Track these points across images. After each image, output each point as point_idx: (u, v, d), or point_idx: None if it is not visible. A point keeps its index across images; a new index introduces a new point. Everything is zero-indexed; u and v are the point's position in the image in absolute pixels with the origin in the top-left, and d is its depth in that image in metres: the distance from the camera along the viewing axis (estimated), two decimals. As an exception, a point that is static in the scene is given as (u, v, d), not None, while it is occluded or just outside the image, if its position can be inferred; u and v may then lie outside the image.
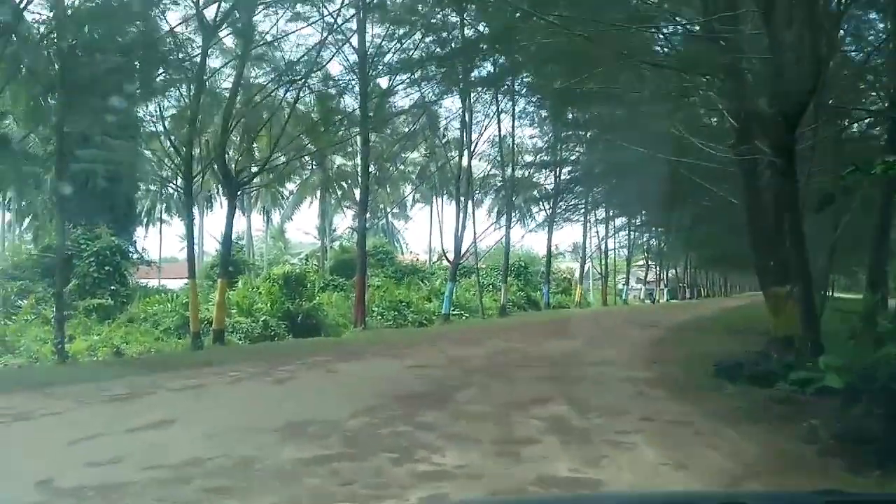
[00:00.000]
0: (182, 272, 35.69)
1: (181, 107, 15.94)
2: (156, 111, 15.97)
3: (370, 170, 25.15)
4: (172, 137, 15.54)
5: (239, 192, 15.99)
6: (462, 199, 26.63)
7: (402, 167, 49.72)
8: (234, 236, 49.39)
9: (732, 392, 7.86)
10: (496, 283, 41.00)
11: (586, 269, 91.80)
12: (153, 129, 17.30)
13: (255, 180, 17.62)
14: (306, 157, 25.63)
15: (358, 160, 35.66)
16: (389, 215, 55.73)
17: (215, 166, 15.14)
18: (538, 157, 34.98)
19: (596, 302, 46.44)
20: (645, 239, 57.80)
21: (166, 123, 15.65)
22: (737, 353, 11.90)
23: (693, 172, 28.80)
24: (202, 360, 12.06)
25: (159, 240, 51.09)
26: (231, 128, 15.09)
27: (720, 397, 7.69)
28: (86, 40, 14.56)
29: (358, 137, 22.03)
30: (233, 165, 15.64)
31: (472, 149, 26.68)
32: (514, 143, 32.26)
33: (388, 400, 7.52)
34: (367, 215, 26.38)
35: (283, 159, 18.73)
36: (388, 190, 49.55)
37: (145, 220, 53.97)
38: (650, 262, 63.24)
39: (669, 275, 72.60)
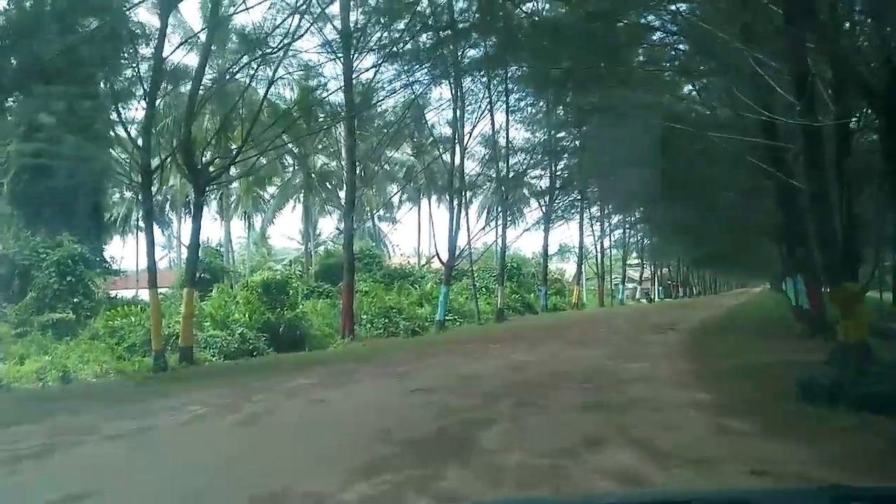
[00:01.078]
0: (163, 281, 33.71)
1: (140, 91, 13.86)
2: (112, 98, 13.86)
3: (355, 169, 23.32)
4: (129, 127, 13.51)
5: (207, 189, 13.91)
6: (455, 197, 24.76)
7: (388, 167, 47.97)
8: (214, 243, 47.33)
9: (844, 423, 6.00)
10: (489, 285, 39.21)
11: (575, 269, 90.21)
12: (113, 120, 15.34)
13: (229, 175, 15.52)
14: (284, 152, 23.47)
15: (342, 160, 33.84)
16: (376, 217, 53.74)
17: (178, 158, 13.08)
18: (533, 152, 33.07)
19: (590, 303, 44.62)
20: (639, 238, 56.39)
21: (122, 111, 13.57)
22: (794, 362, 10.11)
23: (690, 169, 27.41)
24: (162, 386, 10.05)
25: (137, 248, 48.88)
26: (196, 111, 13.08)
27: (831, 431, 5.82)
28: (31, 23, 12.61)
29: (343, 129, 20.03)
30: (201, 158, 13.60)
31: (464, 144, 24.80)
32: (507, 136, 30.37)
33: (394, 448, 5.58)
34: (354, 215, 24.43)
35: (257, 152, 16.56)
36: (374, 190, 47.61)
37: (122, 227, 51.70)
38: (644, 262, 61.80)
39: (662, 273, 71.26)
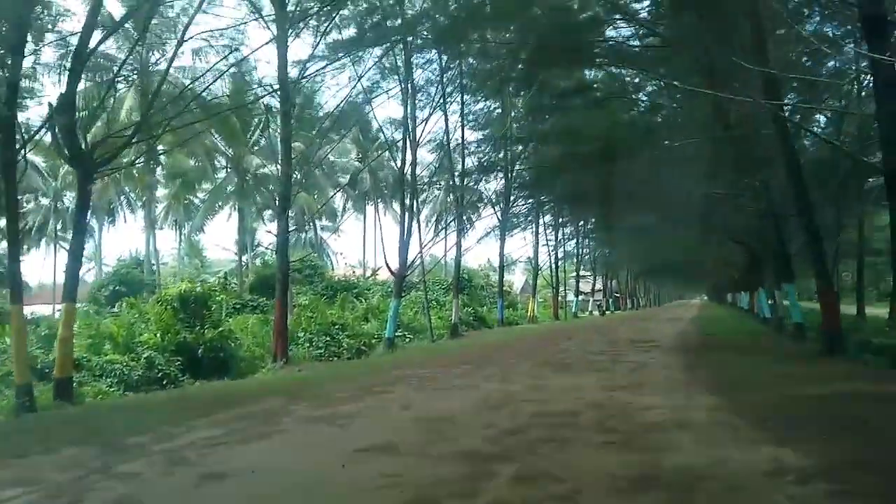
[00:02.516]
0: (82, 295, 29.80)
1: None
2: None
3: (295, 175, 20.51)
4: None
5: (95, 176, 10.85)
6: (407, 199, 22.05)
7: (330, 171, 44.94)
8: (135, 253, 43.02)
9: None
10: (439, 298, 36.66)
11: (525, 280, 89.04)
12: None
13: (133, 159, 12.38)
14: (197, 133, 20.35)
15: (280, 161, 30.83)
16: (318, 226, 50.43)
17: (58, 134, 10.05)
18: (489, 154, 30.69)
19: (542, 316, 42.40)
20: (591, 249, 54.78)
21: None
22: (849, 393, 7.89)
23: (649, 174, 25.70)
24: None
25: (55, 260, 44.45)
26: (81, 69, 10.09)
27: None
28: None
29: (278, 119, 17.16)
30: (85, 136, 10.55)
31: (415, 142, 22.12)
32: (462, 136, 27.89)
33: None
34: (291, 218, 21.47)
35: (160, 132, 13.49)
36: (316, 196, 44.51)
37: (37, 237, 46.98)
38: (595, 274, 60.40)
39: (611, 285, 70.18)
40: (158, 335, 16.26)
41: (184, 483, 5.21)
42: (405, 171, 21.51)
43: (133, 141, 10.91)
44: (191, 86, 14.26)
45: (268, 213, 37.30)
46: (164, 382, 14.74)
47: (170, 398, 11.13)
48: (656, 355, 14.36)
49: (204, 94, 22.52)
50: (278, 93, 15.46)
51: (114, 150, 10.87)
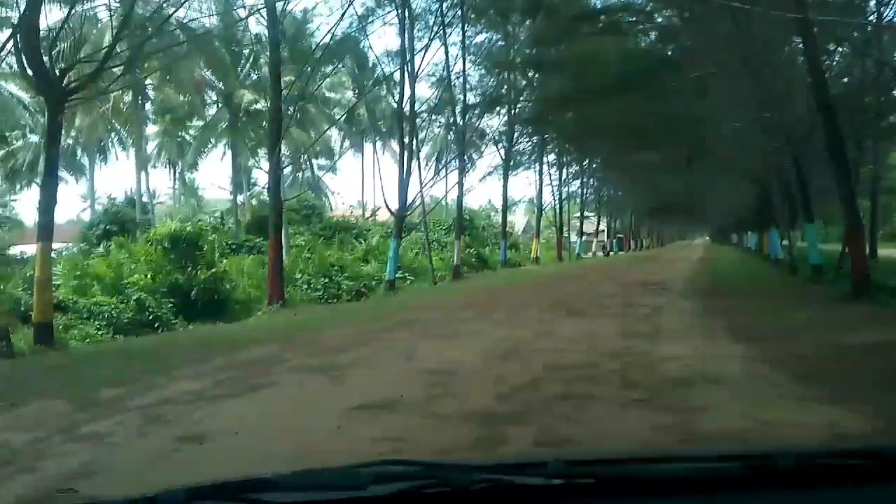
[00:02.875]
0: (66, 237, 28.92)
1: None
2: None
3: (287, 110, 19.46)
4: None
5: (67, 103, 9.92)
6: (406, 134, 20.99)
7: (325, 107, 43.54)
8: (131, 192, 42.10)
9: None
10: (441, 239, 35.97)
11: (527, 221, 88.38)
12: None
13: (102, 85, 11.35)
14: (173, 59, 19.21)
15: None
16: (314, 165, 49.25)
17: (22, 55, 9.08)
18: (491, 88, 29.36)
19: (545, 257, 41.70)
20: (594, 189, 53.70)
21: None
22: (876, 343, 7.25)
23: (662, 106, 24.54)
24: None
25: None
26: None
27: None
28: None
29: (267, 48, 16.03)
30: (52, 59, 9.58)
31: (414, 73, 20.89)
32: (464, 65, 26.54)
33: None
34: (285, 156, 20.57)
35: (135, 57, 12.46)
36: (312, 135, 43.24)
37: (29, 175, 45.92)
38: (599, 214, 59.53)
39: (615, 226, 69.47)
40: (149, 276, 15.61)
41: (156, 447, 4.55)
42: (403, 105, 20.42)
43: (106, 66, 9.91)
44: (168, 2, 13.00)
45: (262, 150, 36.23)
46: (156, 325, 14.16)
47: (158, 342, 10.52)
48: (670, 299, 13.74)
49: (185, 16, 21.39)
50: (265, 18, 14.28)
51: (86, 77, 9.88)
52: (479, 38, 28.47)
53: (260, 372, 6.87)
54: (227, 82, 31.55)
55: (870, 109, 17.92)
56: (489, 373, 6.63)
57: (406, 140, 20.40)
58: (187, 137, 41.41)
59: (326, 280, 20.40)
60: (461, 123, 26.27)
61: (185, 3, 15.39)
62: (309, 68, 23.36)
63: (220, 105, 33.55)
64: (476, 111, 30.32)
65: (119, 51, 10.51)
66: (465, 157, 30.79)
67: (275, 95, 14.82)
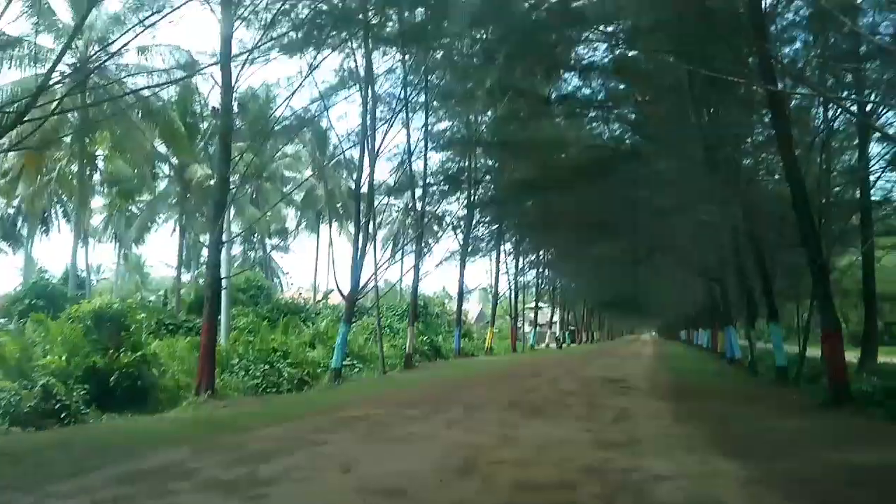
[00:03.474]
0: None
1: None
2: None
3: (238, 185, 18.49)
4: None
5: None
6: (362, 218, 20.03)
7: (282, 186, 42.77)
8: (79, 269, 39.95)
9: None
10: (393, 325, 34.65)
11: (480, 310, 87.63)
12: None
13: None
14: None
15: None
16: (268, 244, 47.94)
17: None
18: (450, 171, 29.04)
19: (498, 347, 40.51)
20: (548, 280, 53.45)
21: None
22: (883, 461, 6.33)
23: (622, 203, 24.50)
24: None
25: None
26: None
27: None
28: None
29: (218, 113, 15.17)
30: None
31: (374, 156, 20.21)
32: (426, 151, 26.17)
33: None
34: (230, 229, 19.37)
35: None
36: (268, 216, 42.19)
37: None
38: (554, 305, 59.18)
39: (568, 318, 69.19)
40: (63, 358, 13.89)
41: None
42: (361, 184, 19.65)
43: (26, 119, 8.78)
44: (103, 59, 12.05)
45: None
46: (63, 416, 12.37)
47: (51, 440, 8.89)
48: (637, 399, 12.73)
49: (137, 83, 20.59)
50: (218, 81, 13.45)
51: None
52: (442, 125, 28.53)
53: (155, 490, 5.48)
54: (179, 154, 30.52)
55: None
56: (445, 496, 5.41)
57: (362, 220, 19.46)
58: (136, 211, 39.87)
59: (266, 367, 18.75)
60: (419, 206, 25.60)
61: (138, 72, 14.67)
62: (263, 140, 22.66)
63: (170, 177, 32.39)
64: (435, 195, 29.97)
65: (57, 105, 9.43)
66: (423, 241, 30.13)
67: (222, 163, 13.79)
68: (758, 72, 11.98)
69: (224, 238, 15.04)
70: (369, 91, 18.82)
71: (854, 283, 27.16)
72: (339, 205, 45.48)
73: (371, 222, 22.23)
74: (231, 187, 15.75)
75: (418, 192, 25.92)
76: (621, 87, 20.74)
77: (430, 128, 25.51)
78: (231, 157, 14.45)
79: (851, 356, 25.07)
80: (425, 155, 25.11)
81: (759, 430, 8.92)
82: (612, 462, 6.67)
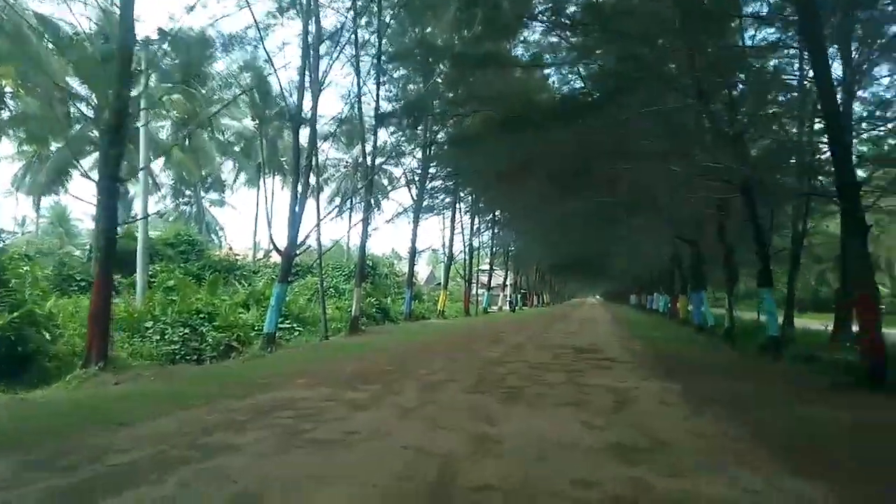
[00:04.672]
0: None
1: None
2: None
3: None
4: None
5: None
6: (301, 170, 17.20)
7: (219, 135, 39.30)
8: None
9: None
10: (339, 286, 32.18)
11: (430, 272, 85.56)
12: None
13: None
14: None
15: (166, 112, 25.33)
16: (202, 197, 44.27)
17: None
18: (405, 123, 26.27)
19: (451, 310, 38.41)
20: (502, 242, 51.44)
21: None
22: None
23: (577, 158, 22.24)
24: None
25: None
26: None
27: None
28: None
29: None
30: None
31: (317, 90, 17.38)
32: (378, 100, 23.42)
33: None
34: (162, 187, 16.40)
35: None
36: (201, 164, 38.71)
37: None
38: (507, 268, 57.43)
39: (520, 281, 67.75)
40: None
41: None
42: (302, 121, 16.86)
43: None
44: None
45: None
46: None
47: None
48: (626, 376, 10.65)
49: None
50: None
51: None
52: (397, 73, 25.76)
53: None
54: (97, 90, 26.85)
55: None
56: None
57: (302, 163, 16.75)
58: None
59: (187, 331, 16.14)
60: (368, 150, 22.91)
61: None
62: (189, 76, 19.59)
63: (88, 119, 28.64)
64: (387, 144, 27.28)
65: None
66: (372, 193, 27.46)
67: (119, 84, 10.86)
68: None
69: (123, 176, 12.15)
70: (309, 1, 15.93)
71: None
72: (283, 158, 42.21)
73: (314, 169, 19.50)
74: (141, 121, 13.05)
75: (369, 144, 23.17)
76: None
77: (382, 64, 22.72)
78: (133, 79, 11.55)
79: (817, 323, 24.15)
80: (377, 93, 22.32)
81: (810, 425, 6.89)
82: (649, 486, 4.48)
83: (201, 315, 17.45)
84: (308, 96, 16.56)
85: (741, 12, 14.45)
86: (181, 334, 15.85)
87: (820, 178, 16.74)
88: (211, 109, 31.74)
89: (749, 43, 15.31)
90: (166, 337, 15.59)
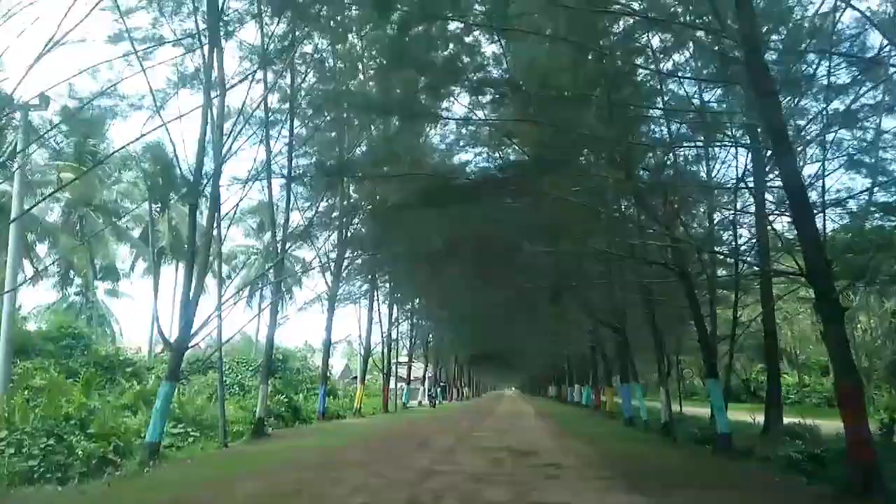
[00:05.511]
0: None
1: None
2: None
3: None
4: None
5: None
6: (195, 251, 15.15)
7: (115, 219, 36.48)
8: None
9: None
10: (245, 382, 29.39)
11: (345, 366, 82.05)
12: None
13: None
14: None
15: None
16: (97, 288, 40.52)
17: None
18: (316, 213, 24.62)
19: (367, 407, 35.78)
20: (420, 333, 49.68)
21: None
22: None
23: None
24: None
25: None
26: None
27: None
28: None
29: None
30: None
31: (220, 162, 15.62)
32: (289, 187, 21.85)
33: None
34: (56, 275, 13.96)
35: None
36: (96, 252, 35.61)
37: None
38: (427, 360, 55.47)
39: (440, 374, 65.71)
40: None
41: None
42: (201, 189, 15.01)
43: None
44: None
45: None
46: None
47: None
48: (577, 487, 9.03)
49: None
50: None
51: None
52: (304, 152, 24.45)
53: None
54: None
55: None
56: None
57: (197, 243, 14.80)
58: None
59: (51, 442, 13.34)
60: (279, 236, 21.13)
61: None
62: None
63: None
64: (298, 226, 25.55)
65: None
66: (282, 280, 25.45)
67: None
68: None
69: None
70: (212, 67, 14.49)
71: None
72: (186, 246, 39.55)
73: (215, 249, 17.54)
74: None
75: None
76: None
77: (294, 146, 21.36)
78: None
79: (743, 413, 23.48)
80: (289, 174, 20.80)
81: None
82: None
83: (72, 421, 14.66)
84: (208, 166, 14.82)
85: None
86: (43, 446, 13.06)
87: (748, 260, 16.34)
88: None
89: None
90: (23, 450, 12.78)
